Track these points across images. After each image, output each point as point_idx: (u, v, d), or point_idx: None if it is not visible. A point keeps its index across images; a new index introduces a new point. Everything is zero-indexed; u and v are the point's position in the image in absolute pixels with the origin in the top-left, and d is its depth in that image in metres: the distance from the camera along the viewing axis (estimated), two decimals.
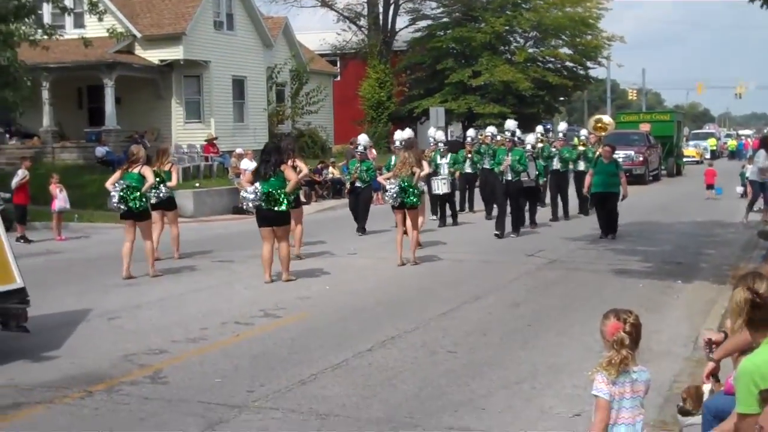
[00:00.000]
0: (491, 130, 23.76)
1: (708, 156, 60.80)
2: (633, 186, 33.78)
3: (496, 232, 19.46)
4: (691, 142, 67.89)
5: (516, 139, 21.00)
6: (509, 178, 19.69)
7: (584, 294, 13.17)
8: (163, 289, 13.61)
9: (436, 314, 11.59)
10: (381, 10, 52.38)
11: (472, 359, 9.38)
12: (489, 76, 49.22)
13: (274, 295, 12.96)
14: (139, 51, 34.99)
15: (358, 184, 20.87)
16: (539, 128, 27.04)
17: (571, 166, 24.53)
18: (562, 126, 27.17)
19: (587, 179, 20.04)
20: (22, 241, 20.04)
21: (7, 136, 34.75)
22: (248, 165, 28.76)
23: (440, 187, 21.97)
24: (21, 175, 20.94)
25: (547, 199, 24.84)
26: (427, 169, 17.84)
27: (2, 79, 24.05)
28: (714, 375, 6.11)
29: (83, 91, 36.95)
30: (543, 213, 23.34)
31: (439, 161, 22.29)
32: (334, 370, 8.87)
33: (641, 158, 39.03)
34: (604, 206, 19.55)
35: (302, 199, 18.09)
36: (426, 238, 18.87)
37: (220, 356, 9.44)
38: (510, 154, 19.76)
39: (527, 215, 21.48)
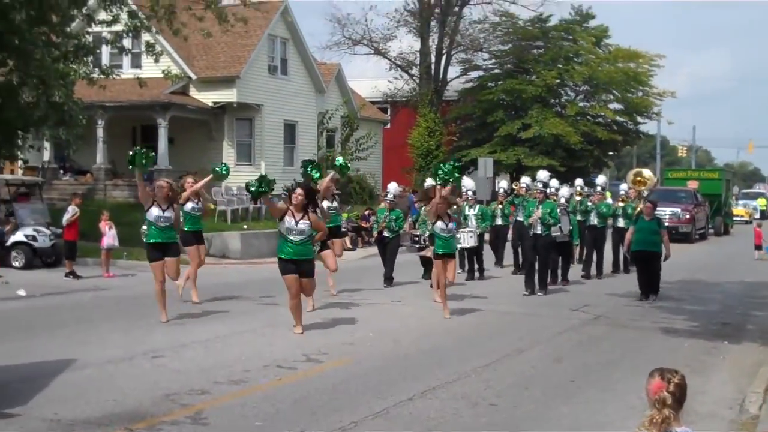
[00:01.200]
0: (526, 181, 23.05)
1: (757, 216, 60.13)
2: (679, 244, 33.46)
3: (525, 292, 18.67)
4: (741, 202, 67.22)
5: (548, 191, 20.52)
6: (538, 231, 18.91)
7: (628, 351, 13.04)
8: (208, 329, 13.68)
9: (478, 366, 11.53)
10: (433, 59, 52.64)
11: (513, 413, 9.31)
12: (539, 129, 49.22)
13: (317, 339, 12.98)
14: (193, 92, 35.55)
15: (386, 234, 20.36)
16: (578, 181, 26.46)
17: (610, 222, 23.75)
18: (601, 180, 25.94)
19: (628, 236, 19.27)
20: (70, 276, 20.31)
21: (61, 171, 35.34)
22: None
23: (467, 240, 20.94)
24: (71, 211, 21.25)
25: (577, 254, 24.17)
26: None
27: (57, 116, 24.49)
28: None
29: (137, 130, 37.54)
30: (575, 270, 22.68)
31: (467, 212, 21.61)
32: (375, 419, 8.85)
33: (688, 216, 38.58)
34: (644, 266, 18.67)
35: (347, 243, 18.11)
36: (468, 290, 18.86)
37: (261, 399, 9.46)
38: (541, 206, 18.93)
39: (559, 271, 21.03)
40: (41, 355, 11.41)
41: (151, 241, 14.29)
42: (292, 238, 13.01)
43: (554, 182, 23.38)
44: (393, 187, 21.31)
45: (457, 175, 16.02)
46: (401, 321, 15.17)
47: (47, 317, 14.70)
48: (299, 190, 13.16)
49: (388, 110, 55.78)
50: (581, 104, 53.28)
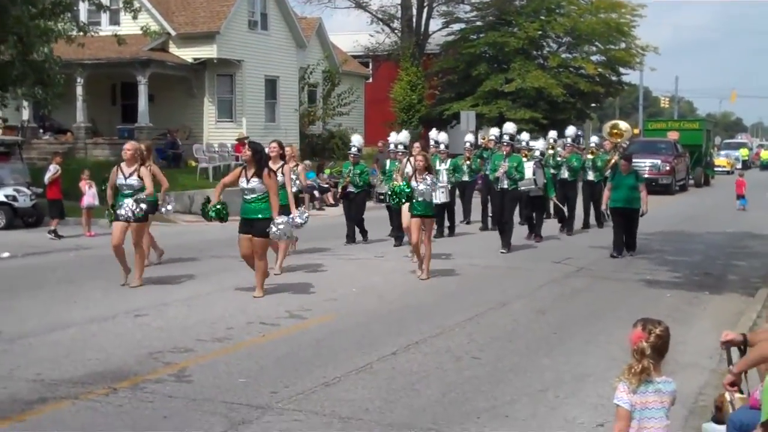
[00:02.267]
0: (495, 132, 21.82)
1: (739, 166, 60.32)
2: (659, 196, 33.62)
3: (502, 250, 18.01)
4: (723, 152, 67.41)
5: (518, 144, 19.70)
6: (505, 186, 18.20)
7: (611, 303, 13.12)
8: (190, 288, 13.69)
9: (461, 320, 11.58)
10: (415, 12, 52.30)
11: (496, 366, 9.36)
12: (521, 82, 49.06)
13: (299, 296, 13.00)
14: (173, 49, 35.29)
15: (350, 189, 19.57)
16: (552, 134, 25.32)
17: (590, 176, 22.67)
18: (570, 131, 24.25)
19: (605, 194, 18.41)
20: (52, 235, 20.21)
21: (41, 131, 35.09)
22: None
23: (438, 196, 18.84)
24: (53, 170, 21.13)
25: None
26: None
27: (36, 75, 24.27)
28: (735, 385, 6.02)
29: (117, 87, 37.33)
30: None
31: (438, 167, 20.18)
32: (358, 374, 8.88)
33: (668, 167, 38.49)
34: (623, 223, 17.93)
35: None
36: (446, 246, 18.81)
37: (245, 356, 9.48)
38: (507, 160, 18.24)
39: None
40: (24, 315, 11.40)
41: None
42: (245, 196, 12.76)
43: (524, 135, 22.28)
44: (356, 139, 20.47)
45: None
46: (384, 276, 15.20)
47: (29, 277, 14.67)
48: (250, 148, 12.85)
49: (370, 64, 55.48)
50: (563, 56, 53.07)
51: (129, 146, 14.03)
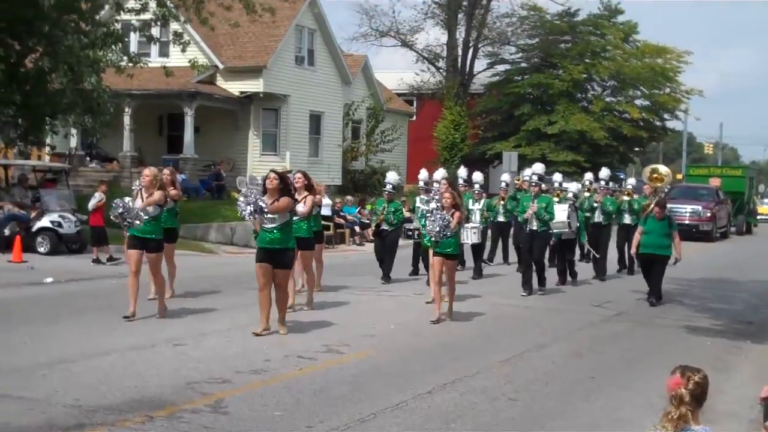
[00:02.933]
0: (531, 172, 20.34)
1: None
2: (700, 243, 33.17)
3: (523, 293, 17.59)
4: (766, 200, 66.71)
5: (542, 184, 18.86)
6: (534, 227, 17.69)
7: (650, 349, 13.02)
8: (229, 319, 13.75)
9: (498, 360, 11.55)
10: (460, 52, 52.57)
11: (532, 408, 9.32)
12: (564, 125, 49.04)
13: (338, 331, 13.02)
14: (220, 82, 35.71)
15: (384, 227, 19.07)
16: (587, 176, 24.73)
17: (626, 219, 22.07)
18: (604, 173, 23.26)
19: (636, 237, 17.66)
20: (95, 263, 20.43)
21: (88, 158, 35.56)
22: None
23: (469, 236, 19.23)
24: (98, 197, 21.37)
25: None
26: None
27: (85, 104, 24.66)
28: None
29: (164, 118, 37.77)
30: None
31: (471, 206, 20.40)
32: (393, 411, 8.88)
33: (709, 214, 37.68)
34: (650, 269, 17.26)
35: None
36: (485, 286, 18.75)
37: (281, 389, 9.51)
38: (536, 200, 17.75)
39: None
40: (64, 341, 11.52)
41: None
42: (264, 225, 12.19)
43: (557, 176, 22.41)
44: (392, 177, 19.81)
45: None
46: (422, 314, 15.14)
47: (71, 303, 14.80)
48: (272, 175, 12.34)
49: (414, 102, 55.76)
50: (608, 100, 53.04)
51: (148, 172, 13.64)
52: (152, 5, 26.78)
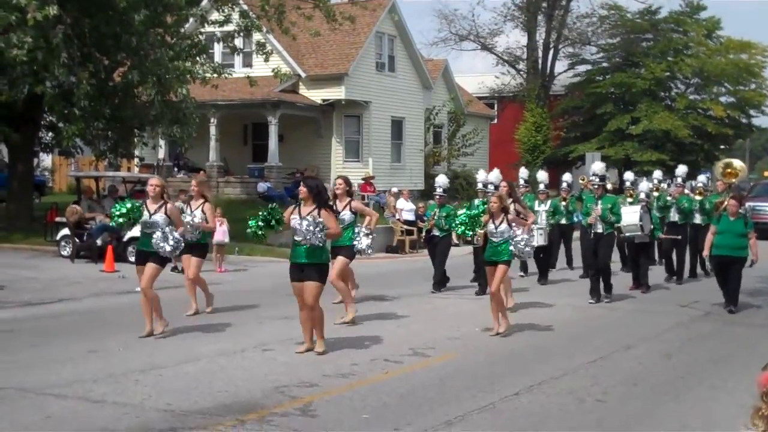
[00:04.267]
0: (592, 172, 18.48)
1: None
2: None
3: (591, 300, 16.68)
4: None
5: (605, 184, 17.69)
6: (599, 230, 16.68)
7: (740, 349, 12.83)
8: None
9: (585, 362, 11.50)
10: (540, 54, 52.39)
11: (621, 410, 9.27)
12: (648, 124, 48.45)
13: (423, 334, 13.10)
14: (302, 90, 36.12)
15: (435, 232, 17.96)
16: (657, 174, 23.96)
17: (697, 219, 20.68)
18: (681, 170, 21.88)
19: (708, 238, 16.28)
20: (176, 271, 20.84)
21: (175, 169, 36.25)
22: (404, 204, 29.18)
23: (536, 238, 18.01)
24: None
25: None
26: (530, 215, 15.58)
27: (173, 114, 25.17)
28: None
29: (248, 128, 38.34)
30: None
31: (537, 208, 19.66)
32: (480, 413, 8.91)
33: None
34: (725, 273, 16.08)
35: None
36: (576, 287, 18.61)
37: (369, 392, 9.61)
38: (600, 202, 16.76)
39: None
40: (155, 347, 11.79)
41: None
42: (296, 237, 11.28)
43: (629, 175, 21.69)
44: (442, 180, 18.48)
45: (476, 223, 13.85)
46: (508, 315, 15.14)
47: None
48: (305, 185, 11.46)
49: (495, 106, 55.65)
50: (691, 97, 52.26)
51: (156, 181, 12.88)
52: (235, 17, 27.24)
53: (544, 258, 19.82)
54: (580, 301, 17.00)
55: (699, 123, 49.65)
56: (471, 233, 14.06)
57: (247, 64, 34.03)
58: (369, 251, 14.45)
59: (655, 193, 21.25)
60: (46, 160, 40.41)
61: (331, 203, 12.56)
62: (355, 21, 29.33)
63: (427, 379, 10.30)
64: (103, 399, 9.00)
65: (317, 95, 36.14)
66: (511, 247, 13.01)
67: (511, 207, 14.14)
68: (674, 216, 20.76)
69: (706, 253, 16.76)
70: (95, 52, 24.16)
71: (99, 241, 22.38)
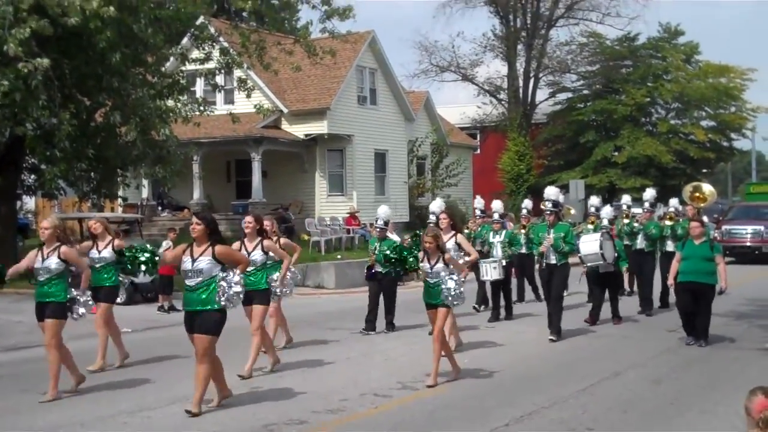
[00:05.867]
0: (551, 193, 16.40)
1: None
2: (761, 266, 31.31)
3: (551, 337, 15.48)
4: None
5: (558, 211, 16.19)
6: (552, 261, 15.49)
7: (728, 373, 12.84)
8: (305, 359, 13.86)
9: (574, 390, 11.48)
10: (521, 83, 52.69)
11: None
12: (631, 150, 48.76)
13: (412, 367, 13.05)
14: (285, 126, 36.19)
15: (378, 268, 16.23)
16: (625, 198, 22.23)
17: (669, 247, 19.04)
18: (648, 194, 20.93)
19: (673, 265, 15.22)
20: (161, 311, 20.77)
21: (159, 208, 36.18)
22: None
23: (489, 272, 17.75)
24: (165, 246, 21.61)
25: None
26: (473, 253, 14.29)
27: (155, 154, 25.15)
28: None
29: (231, 164, 38.34)
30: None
31: (491, 239, 18.43)
32: None
33: None
34: (693, 301, 14.89)
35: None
36: (564, 314, 18.59)
37: (358, 428, 9.58)
38: (552, 230, 15.55)
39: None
40: (144, 388, 11.72)
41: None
42: (187, 282, 10.11)
43: (594, 200, 20.62)
44: (382, 211, 16.60)
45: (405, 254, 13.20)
46: (495, 346, 15.13)
47: (149, 351, 15.03)
48: (199, 219, 10.40)
49: (478, 136, 55.89)
50: (672, 122, 52.62)
51: (46, 224, 11.71)
52: (216, 54, 27.30)
53: (504, 293, 18.53)
54: (572, 326, 16.96)
55: (681, 147, 49.99)
56: (404, 268, 13.49)
57: (229, 100, 34.10)
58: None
59: (626, 220, 20.30)
60: (30, 202, 40.23)
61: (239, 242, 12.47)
62: (336, 55, 29.42)
63: (418, 412, 10.27)
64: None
65: (300, 130, 36.19)
66: (444, 294, 11.72)
67: (451, 242, 13.86)
68: (641, 243, 19.56)
69: (670, 281, 15.48)
70: (76, 93, 24.16)
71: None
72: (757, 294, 22.13)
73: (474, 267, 17.68)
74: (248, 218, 12.78)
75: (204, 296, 9.87)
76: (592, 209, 20.07)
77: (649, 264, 19.51)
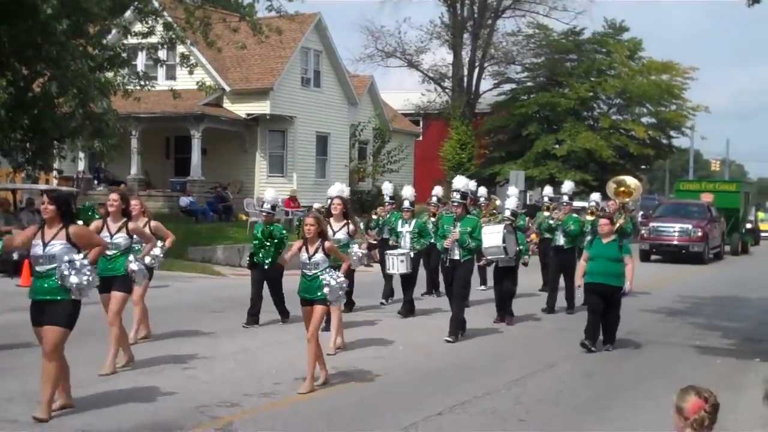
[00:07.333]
0: (460, 184, 15.08)
1: None
2: (690, 265, 31.54)
3: (449, 339, 14.31)
4: None
5: (467, 203, 15.21)
6: (456, 257, 14.30)
7: (660, 368, 12.97)
8: (238, 342, 13.74)
9: (508, 380, 11.52)
10: (466, 72, 52.76)
11: (542, 429, 9.29)
12: (572, 144, 49.12)
13: (347, 353, 12.99)
14: (227, 104, 35.87)
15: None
16: (547, 190, 21.57)
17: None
18: (567, 187, 19.66)
19: (580, 265, 14.59)
20: None
21: (95, 182, 35.64)
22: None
23: (396, 265, 16.64)
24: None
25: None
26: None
27: (94, 126, 24.71)
28: None
29: (171, 141, 37.91)
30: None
31: (400, 228, 17.25)
32: None
33: (700, 233, 33.80)
34: (600, 304, 14.03)
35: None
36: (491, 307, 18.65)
37: (290, 412, 9.50)
38: (459, 224, 14.41)
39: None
40: (73, 366, 11.47)
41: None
42: (36, 268, 9.09)
43: (482, 190, 20.01)
44: (269, 195, 15.39)
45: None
46: (431, 334, 15.07)
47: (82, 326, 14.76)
48: (50, 200, 9.01)
49: (421, 123, 55.92)
50: (614, 117, 53.10)
51: (116, 197, 11.33)
52: (159, 29, 26.90)
53: (409, 288, 17.23)
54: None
55: (621, 143, 50.45)
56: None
57: (171, 76, 33.64)
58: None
59: (546, 213, 19.30)
60: None
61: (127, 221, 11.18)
62: (282, 34, 29.15)
63: (350, 399, 10.21)
64: (17, 419, 8.74)
65: (242, 109, 35.89)
66: (326, 290, 10.47)
67: (342, 232, 13.34)
68: (560, 240, 18.43)
69: (578, 282, 14.67)
70: (14, 62, 23.63)
71: (15, 255, 21.84)
72: (689, 291, 22.45)
73: (380, 259, 17.50)
74: (113, 195, 11.33)
75: (55, 284, 8.80)
76: (482, 200, 19.50)
77: (569, 262, 18.09)
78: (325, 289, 10.45)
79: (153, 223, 13.18)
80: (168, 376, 11.04)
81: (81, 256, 8.86)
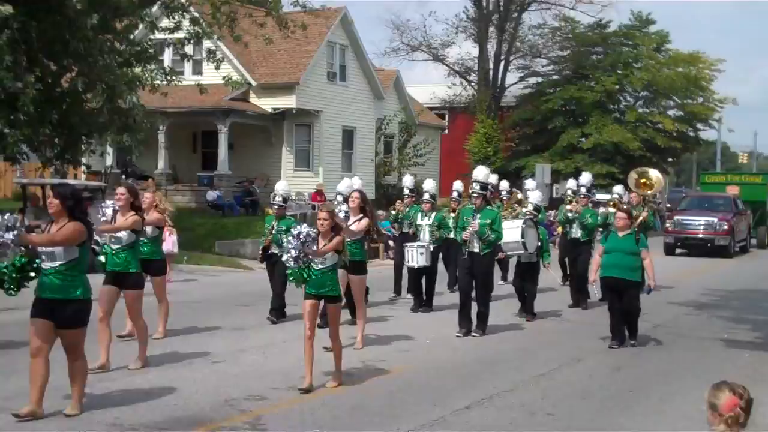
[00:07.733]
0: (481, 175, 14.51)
1: None
2: (716, 258, 31.12)
3: (458, 333, 14.12)
4: None
5: (486, 194, 14.53)
6: (475, 249, 13.94)
7: (688, 362, 12.92)
8: (267, 335, 13.81)
9: (535, 374, 11.52)
10: (491, 65, 52.63)
11: (570, 423, 9.28)
12: (598, 137, 48.88)
13: (375, 347, 13.03)
14: (253, 99, 35.96)
15: (274, 250, 14.57)
16: (571, 183, 20.60)
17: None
18: (585, 179, 18.99)
19: (595, 259, 14.31)
20: None
21: (123, 177, 35.82)
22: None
23: (416, 257, 16.39)
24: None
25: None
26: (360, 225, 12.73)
27: (121, 122, 24.86)
28: None
29: (198, 136, 38.08)
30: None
31: (420, 221, 17.17)
32: (431, 427, 8.88)
33: (726, 227, 33.03)
34: (618, 299, 13.79)
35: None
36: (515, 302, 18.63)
37: (319, 406, 9.53)
38: (478, 215, 14.02)
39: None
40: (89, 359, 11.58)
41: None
42: (42, 265, 8.75)
43: (530, 183, 19.89)
44: (281, 187, 14.93)
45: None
46: (456, 328, 15.09)
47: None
48: (56, 194, 8.72)
49: (446, 116, 55.87)
50: (641, 110, 52.82)
51: (123, 191, 11.21)
52: (186, 24, 27.01)
53: (427, 281, 16.95)
54: (539, 312, 16.99)
55: (648, 136, 50.17)
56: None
57: (197, 71, 33.77)
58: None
59: (568, 207, 18.59)
60: None
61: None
62: (308, 29, 29.19)
63: (378, 392, 10.24)
64: (48, 412, 8.81)
65: (268, 104, 35.99)
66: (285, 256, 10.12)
67: (354, 225, 12.77)
68: (576, 232, 18.17)
69: (593, 278, 14.39)
70: (42, 57, 23.79)
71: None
72: (716, 285, 22.33)
73: (399, 252, 17.52)
74: (120, 189, 11.14)
75: (64, 283, 8.59)
76: (504, 193, 19.35)
77: (585, 254, 17.74)
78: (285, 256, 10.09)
79: (155, 214, 12.73)
80: (197, 370, 11.12)
81: (12, 216, 8.45)
